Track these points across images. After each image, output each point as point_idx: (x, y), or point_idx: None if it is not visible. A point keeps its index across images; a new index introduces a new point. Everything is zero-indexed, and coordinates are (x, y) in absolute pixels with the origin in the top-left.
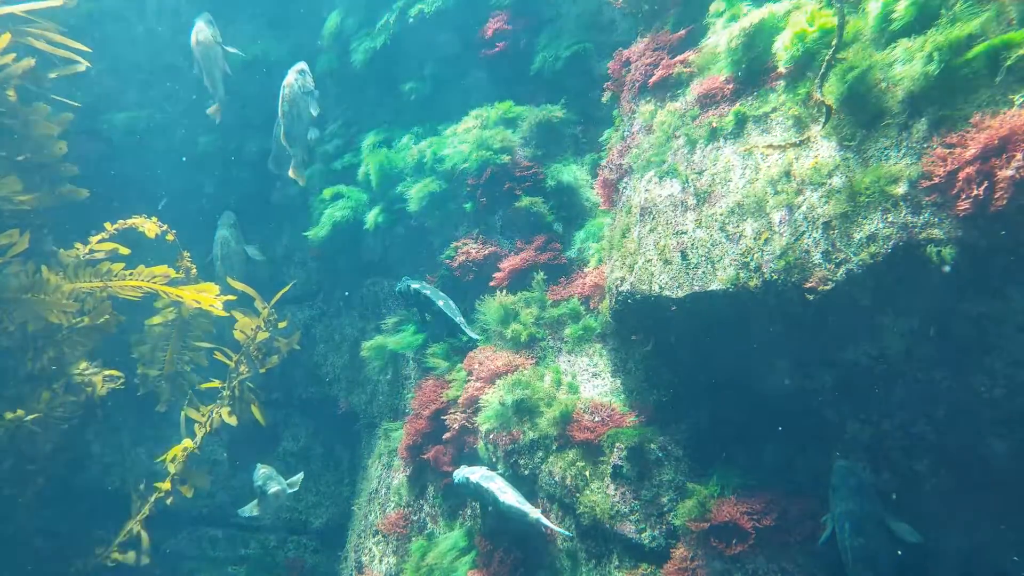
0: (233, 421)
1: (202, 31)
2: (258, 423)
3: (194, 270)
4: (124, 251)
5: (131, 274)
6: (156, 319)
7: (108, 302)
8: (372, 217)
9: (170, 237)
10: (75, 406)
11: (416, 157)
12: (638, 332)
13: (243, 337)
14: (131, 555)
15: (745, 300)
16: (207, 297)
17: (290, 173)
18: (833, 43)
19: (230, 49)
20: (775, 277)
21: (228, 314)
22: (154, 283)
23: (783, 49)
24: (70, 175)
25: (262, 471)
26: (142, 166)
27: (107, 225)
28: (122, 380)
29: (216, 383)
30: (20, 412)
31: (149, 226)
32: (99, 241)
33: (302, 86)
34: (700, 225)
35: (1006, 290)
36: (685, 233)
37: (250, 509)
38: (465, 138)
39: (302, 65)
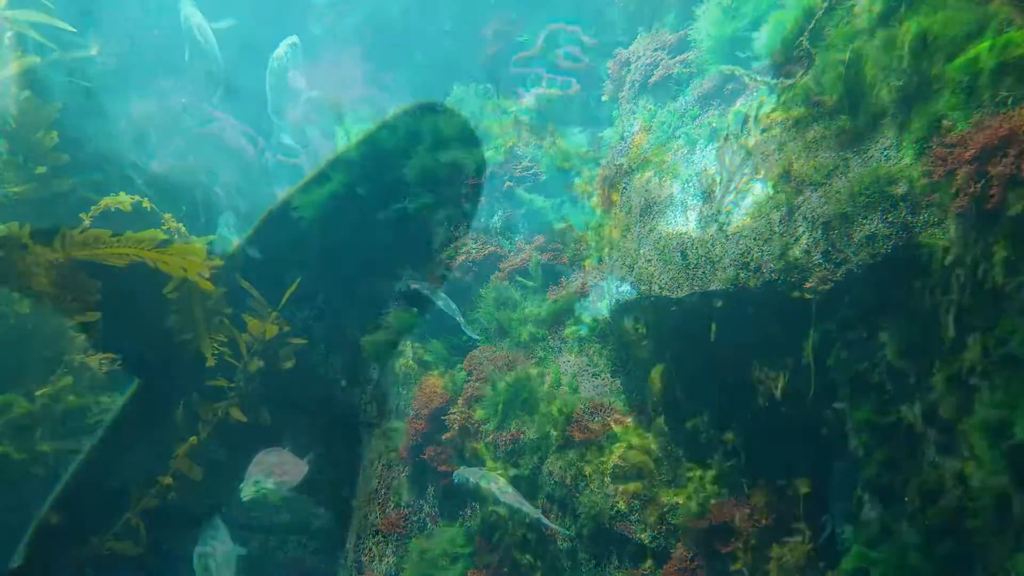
0: (243, 418)
1: (194, 15)
2: (260, 422)
3: (183, 228)
4: (106, 234)
5: (119, 241)
6: (170, 284)
7: (83, 272)
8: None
9: (146, 204)
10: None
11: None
12: (638, 332)
13: (250, 339)
14: (128, 544)
15: (745, 300)
16: (194, 261)
17: (284, 140)
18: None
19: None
20: (775, 277)
21: (215, 287)
22: (140, 248)
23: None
24: (62, 164)
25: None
26: (143, 159)
27: (83, 216)
28: (119, 362)
29: (223, 382)
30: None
31: (124, 200)
32: (81, 231)
33: (291, 59)
34: (700, 225)
35: (1005, 290)
36: (685, 233)
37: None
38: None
39: (294, 39)
